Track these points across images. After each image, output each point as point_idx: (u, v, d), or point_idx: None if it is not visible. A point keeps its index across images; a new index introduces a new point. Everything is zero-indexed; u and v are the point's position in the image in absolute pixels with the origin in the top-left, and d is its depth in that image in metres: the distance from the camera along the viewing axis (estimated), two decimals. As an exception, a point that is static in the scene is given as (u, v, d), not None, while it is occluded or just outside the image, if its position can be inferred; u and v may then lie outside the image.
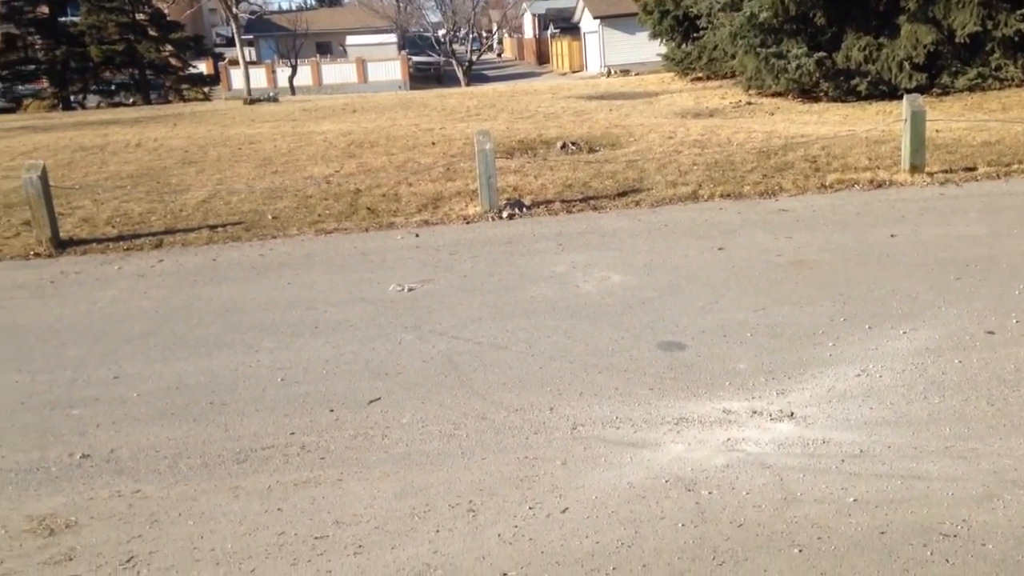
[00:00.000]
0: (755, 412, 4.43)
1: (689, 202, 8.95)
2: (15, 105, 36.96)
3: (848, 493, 3.67)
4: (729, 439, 4.17)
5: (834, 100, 15.97)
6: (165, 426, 4.62)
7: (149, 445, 4.41)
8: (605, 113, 16.64)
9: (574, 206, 9.00)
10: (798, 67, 15.53)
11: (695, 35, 21.16)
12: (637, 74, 34.88)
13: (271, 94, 16.57)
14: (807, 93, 16.77)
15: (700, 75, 22.43)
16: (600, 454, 4.10)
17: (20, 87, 37.93)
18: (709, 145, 11.47)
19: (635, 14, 27.23)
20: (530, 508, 3.66)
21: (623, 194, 9.26)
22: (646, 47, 32.38)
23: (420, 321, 6.02)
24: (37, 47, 38.12)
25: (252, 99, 18.89)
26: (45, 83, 38.55)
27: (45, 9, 37.84)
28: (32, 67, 37.98)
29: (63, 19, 38.46)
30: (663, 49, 24.53)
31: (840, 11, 15.62)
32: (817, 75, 15.88)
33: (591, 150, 11.98)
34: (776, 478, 3.81)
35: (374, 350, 5.55)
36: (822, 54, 15.49)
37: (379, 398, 4.86)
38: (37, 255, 8.15)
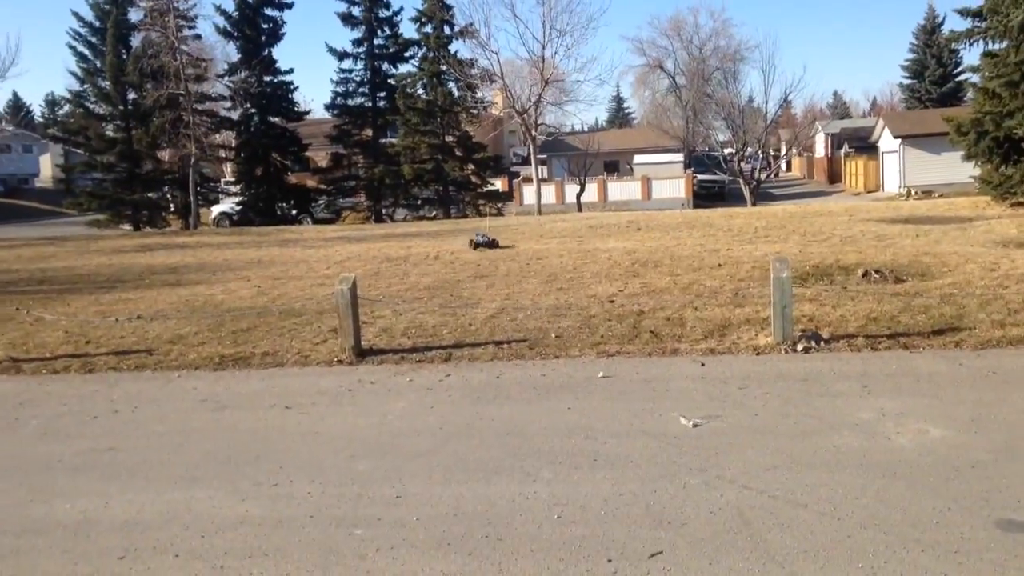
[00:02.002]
0: None
1: (1022, 346, 7.79)
2: (335, 216, 41.36)
3: None
4: (1107, 667, 3.30)
5: None
6: (440, 557, 4.50)
7: (423, 578, 4.29)
8: (911, 239, 15.36)
9: (880, 343, 8.14)
10: None
11: (1017, 158, 19.23)
12: (941, 196, 32.42)
13: (485, 238, 18.02)
14: None
15: (1022, 200, 20.27)
16: (931, 664, 3.39)
17: (341, 200, 42.48)
18: (1043, 280, 10.08)
19: (942, 134, 25.44)
20: None
21: (939, 332, 8.27)
22: (952, 168, 30.12)
23: (706, 463, 5.55)
24: (359, 165, 42.64)
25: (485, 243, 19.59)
26: (362, 197, 42.86)
27: (369, 132, 42.39)
28: (352, 183, 42.46)
29: (383, 141, 42.84)
30: (976, 171, 22.56)
31: None
32: None
33: (897, 280, 10.96)
34: None
35: (656, 493, 5.15)
36: None
37: (661, 551, 4.44)
38: (340, 362, 8.65)
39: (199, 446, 6.42)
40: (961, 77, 55.89)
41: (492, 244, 17.91)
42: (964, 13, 22.18)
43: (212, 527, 5.00)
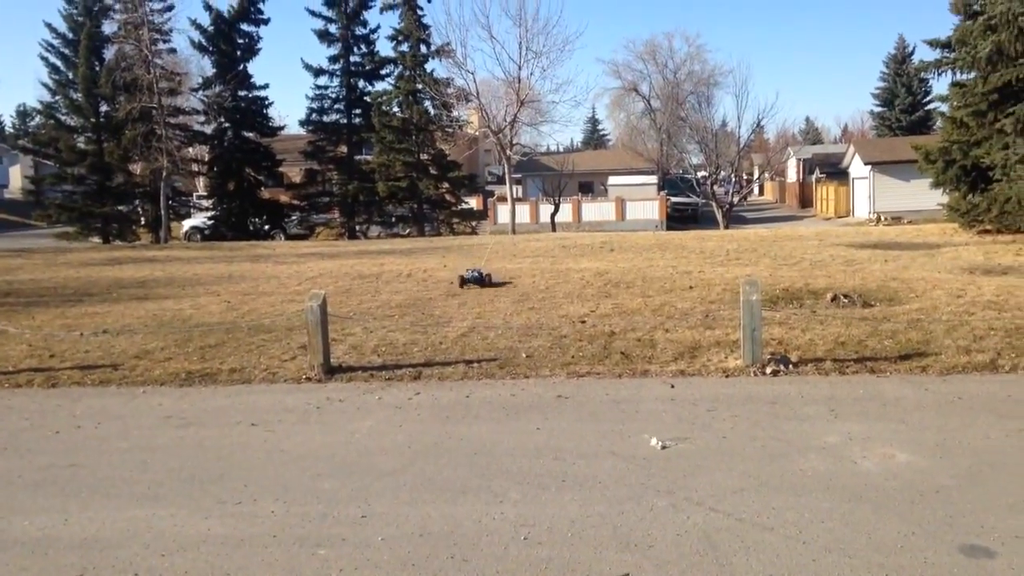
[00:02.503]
0: (1099, 658, 3.52)
1: (987, 372, 7.90)
2: (308, 232, 41.16)
3: None
4: None
5: None
6: (405, 578, 4.45)
7: (387, 599, 4.24)
8: (880, 264, 15.54)
9: (847, 367, 8.21)
10: (1113, 222, 13.78)
11: (984, 186, 19.58)
12: (910, 222, 32.91)
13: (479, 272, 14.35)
14: (1124, 251, 14.80)
15: (988, 228, 20.60)
16: None
17: (314, 216, 42.30)
18: (1007, 307, 10.22)
19: (911, 161, 25.87)
20: None
21: (906, 357, 8.35)
22: (921, 195, 30.59)
23: (674, 485, 5.56)
24: (333, 182, 42.51)
25: None
26: (336, 213, 42.70)
27: (344, 149, 42.30)
28: (326, 199, 42.30)
29: (358, 157, 42.76)
30: (944, 198, 22.94)
31: None
32: None
33: (866, 304, 11.07)
34: None
35: (623, 514, 5.14)
36: None
37: (627, 574, 4.42)
38: (308, 379, 8.57)
39: (163, 463, 6.32)
40: (930, 106, 56.97)
41: (484, 280, 14.36)
42: (933, 44, 22.63)
43: (173, 546, 4.91)
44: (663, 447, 6.28)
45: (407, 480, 5.82)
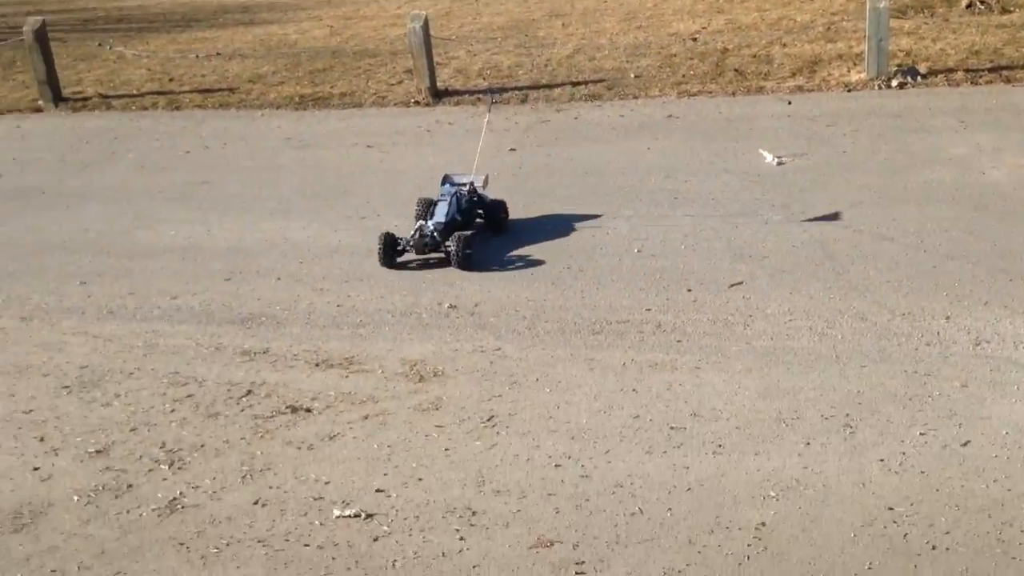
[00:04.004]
0: None
1: None
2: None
3: None
4: None
5: None
6: (524, 286, 4.68)
7: (509, 303, 4.49)
8: (1025, -34, 14.07)
9: (981, 76, 7.72)
10: None
11: None
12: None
13: None
14: None
15: None
16: (1012, 380, 3.49)
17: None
18: None
19: None
20: (921, 434, 3.19)
21: (1046, 66, 7.78)
22: None
23: (790, 199, 5.52)
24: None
25: None
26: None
27: None
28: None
29: None
30: None
31: None
32: None
33: (1004, 10, 10.16)
34: None
35: (737, 228, 5.18)
36: None
37: (741, 282, 4.53)
38: (416, 103, 8.60)
39: (288, 181, 6.62)
40: None
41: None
42: None
43: (309, 255, 5.26)
44: (779, 163, 6.17)
45: (520, 198, 5.90)
